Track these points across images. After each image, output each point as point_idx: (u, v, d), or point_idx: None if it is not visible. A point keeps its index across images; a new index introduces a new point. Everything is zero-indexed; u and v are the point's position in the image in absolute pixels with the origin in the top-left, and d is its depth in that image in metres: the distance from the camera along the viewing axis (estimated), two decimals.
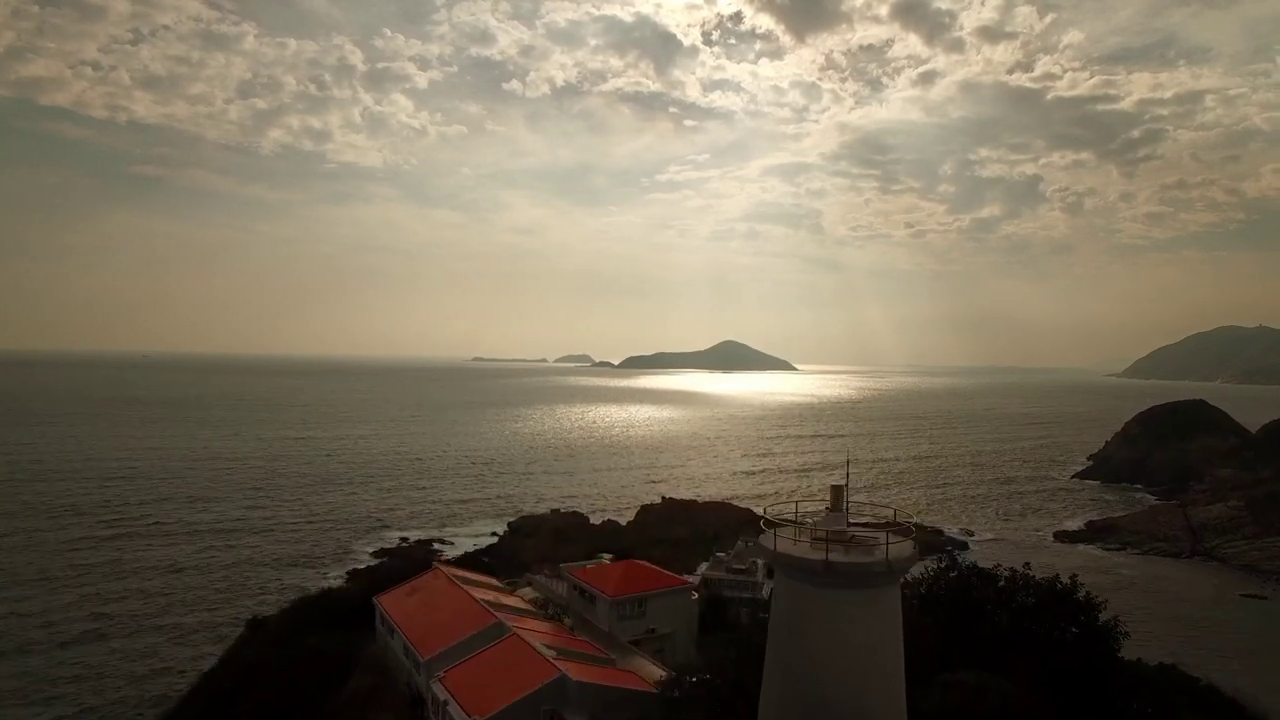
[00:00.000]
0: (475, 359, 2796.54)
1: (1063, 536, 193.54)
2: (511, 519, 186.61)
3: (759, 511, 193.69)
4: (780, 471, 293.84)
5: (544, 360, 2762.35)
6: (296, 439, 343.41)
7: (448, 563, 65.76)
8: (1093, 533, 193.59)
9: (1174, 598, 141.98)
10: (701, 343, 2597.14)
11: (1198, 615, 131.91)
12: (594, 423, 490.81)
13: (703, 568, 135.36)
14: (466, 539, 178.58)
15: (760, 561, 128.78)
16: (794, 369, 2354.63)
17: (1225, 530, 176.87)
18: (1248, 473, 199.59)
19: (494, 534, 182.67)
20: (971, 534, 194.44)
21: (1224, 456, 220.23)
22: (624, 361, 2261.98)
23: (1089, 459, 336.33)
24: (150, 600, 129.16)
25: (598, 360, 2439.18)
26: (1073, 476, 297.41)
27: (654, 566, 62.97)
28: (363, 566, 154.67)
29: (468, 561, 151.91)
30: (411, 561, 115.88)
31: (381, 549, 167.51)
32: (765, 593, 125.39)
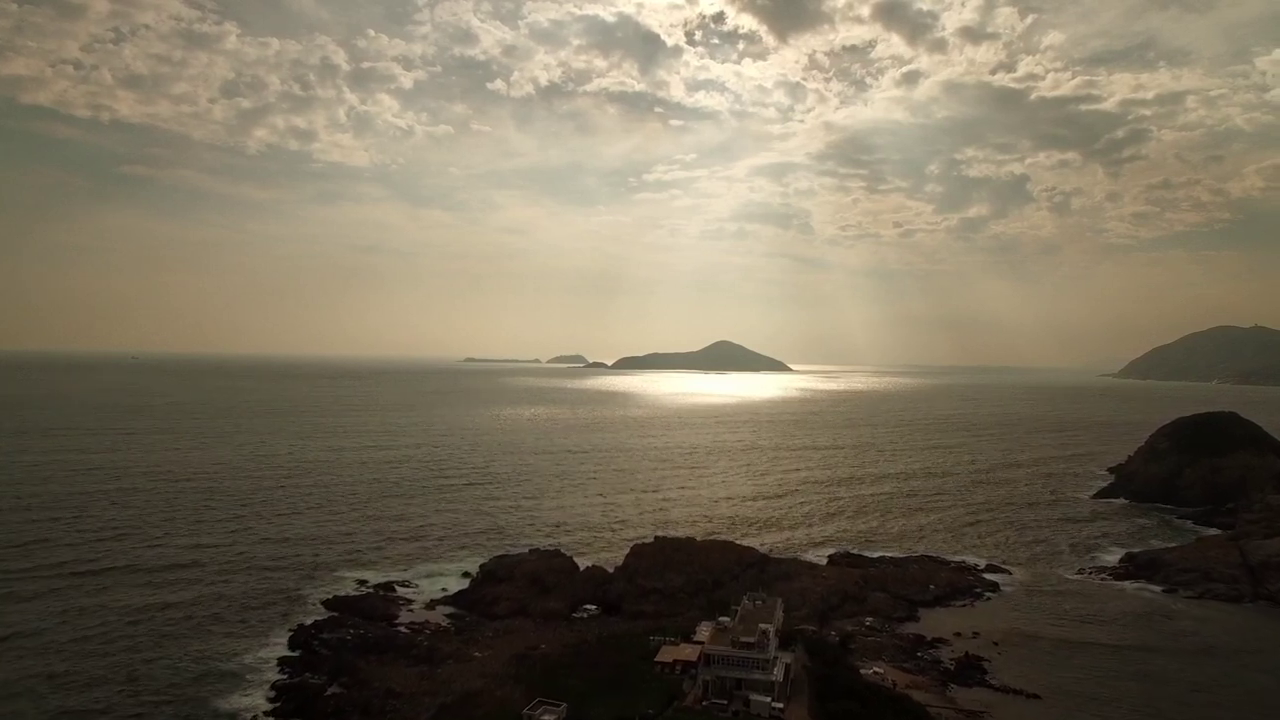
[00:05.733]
0: (468, 359, 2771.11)
1: (1103, 574, 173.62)
2: (485, 559, 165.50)
3: (763, 550, 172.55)
4: (784, 496, 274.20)
5: (537, 361, 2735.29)
6: (265, 456, 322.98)
7: None
8: (1135, 568, 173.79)
9: (1255, 666, 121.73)
10: (695, 343, 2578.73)
11: None
12: (587, 433, 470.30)
13: (703, 630, 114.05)
14: (433, 583, 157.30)
15: (772, 630, 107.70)
16: (788, 369, 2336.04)
17: None
18: None
19: (466, 574, 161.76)
20: (1000, 569, 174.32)
21: (1274, 480, 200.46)
22: (617, 362, 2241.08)
23: (1109, 471, 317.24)
24: None
25: (591, 361, 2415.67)
26: (1095, 495, 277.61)
27: None
28: (309, 622, 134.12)
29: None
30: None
31: (335, 596, 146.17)
32: (778, 672, 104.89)
